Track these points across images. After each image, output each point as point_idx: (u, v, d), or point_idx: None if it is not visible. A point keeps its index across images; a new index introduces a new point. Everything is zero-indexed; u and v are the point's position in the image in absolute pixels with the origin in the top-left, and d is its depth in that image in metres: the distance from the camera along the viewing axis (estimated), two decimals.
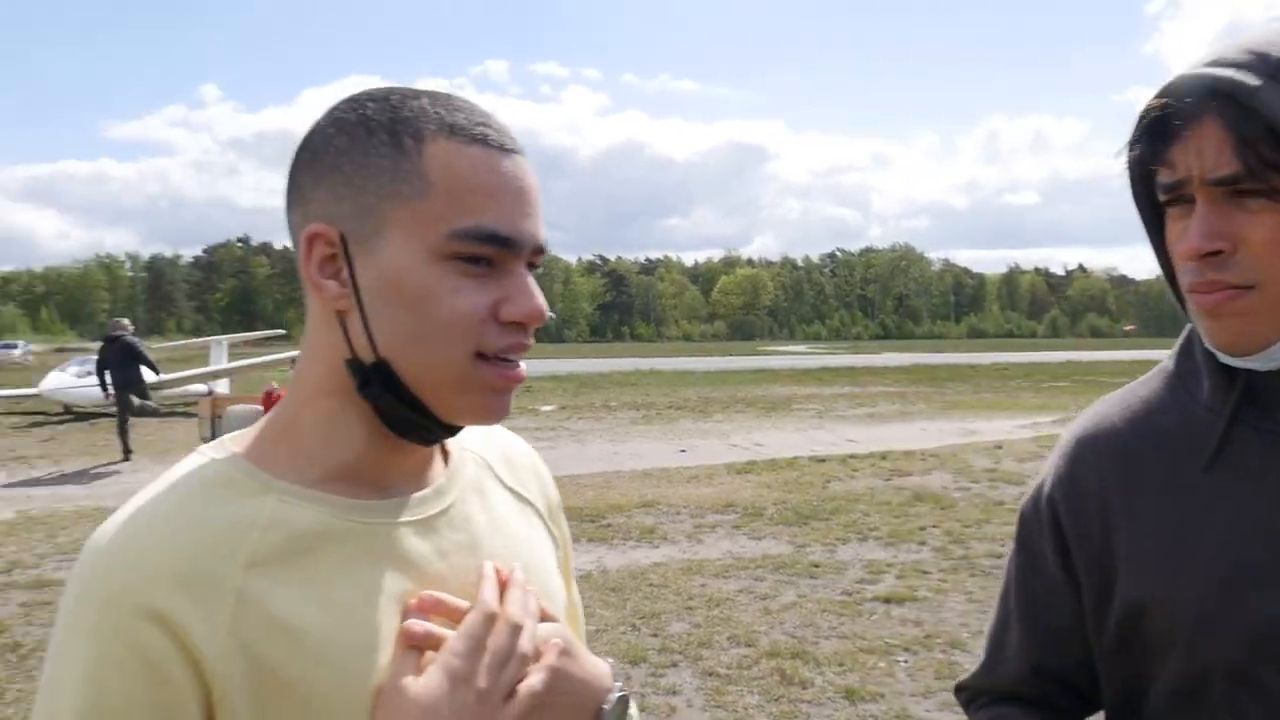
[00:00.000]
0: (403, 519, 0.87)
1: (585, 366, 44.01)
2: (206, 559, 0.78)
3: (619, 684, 0.92)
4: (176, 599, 0.76)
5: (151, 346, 20.11)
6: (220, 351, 24.99)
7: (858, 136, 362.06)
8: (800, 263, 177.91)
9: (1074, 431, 1.14)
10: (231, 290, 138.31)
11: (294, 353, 10.49)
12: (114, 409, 14.66)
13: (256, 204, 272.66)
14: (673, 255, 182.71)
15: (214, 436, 5.04)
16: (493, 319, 0.83)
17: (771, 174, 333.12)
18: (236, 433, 0.90)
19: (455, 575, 0.88)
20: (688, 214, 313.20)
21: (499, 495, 0.99)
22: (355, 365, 0.85)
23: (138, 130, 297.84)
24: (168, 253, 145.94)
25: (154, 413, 15.30)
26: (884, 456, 13.42)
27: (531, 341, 0.87)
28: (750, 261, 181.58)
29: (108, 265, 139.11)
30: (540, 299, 0.85)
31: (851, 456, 13.56)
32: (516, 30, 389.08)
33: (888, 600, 6.55)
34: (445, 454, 0.96)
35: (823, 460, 13.23)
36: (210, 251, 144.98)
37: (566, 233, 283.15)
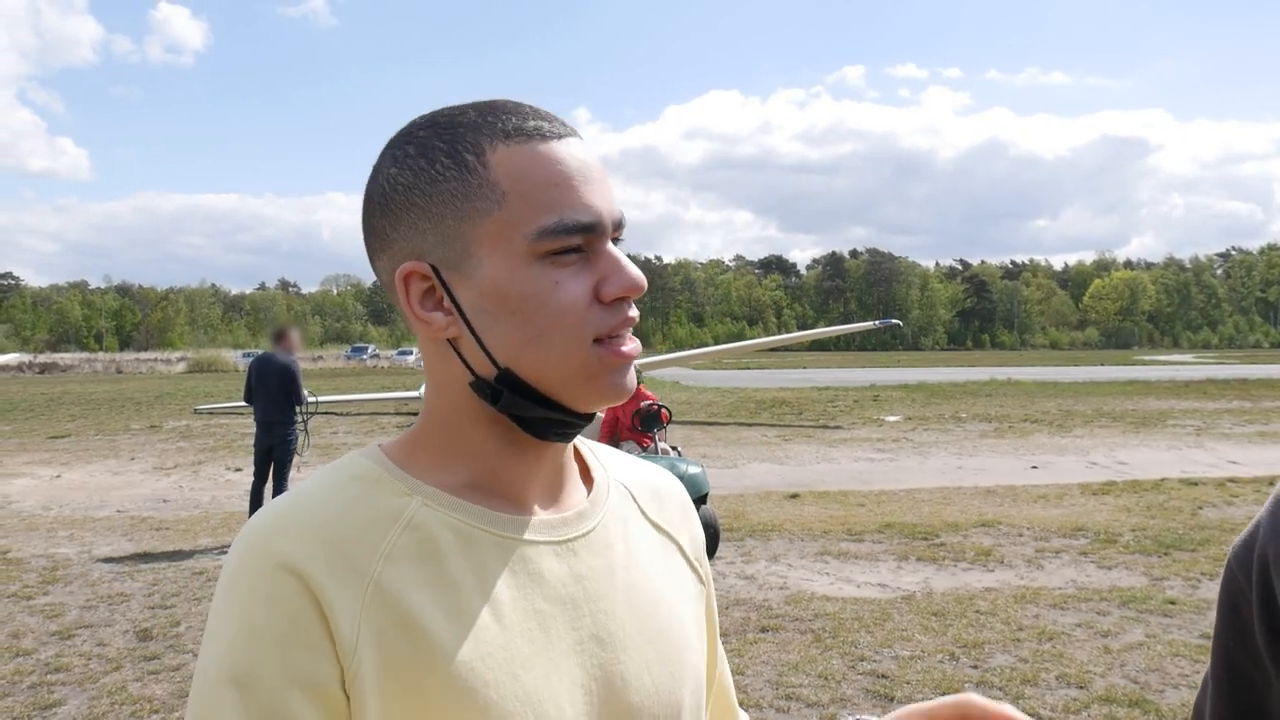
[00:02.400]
0: (542, 538, 0.87)
1: (938, 375, 42.50)
2: (351, 545, 0.80)
3: None
4: (322, 571, 0.78)
5: None
6: None
7: (1256, 122, 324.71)
8: (1187, 264, 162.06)
9: None
10: None
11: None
12: None
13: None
14: (1039, 259, 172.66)
15: None
16: (596, 302, 0.84)
17: (1152, 168, 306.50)
18: (387, 440, 0.92)
19: (589, 600, 0.87)
20: (1056, 214, 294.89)
21: (642, 528, 0.97)
22: (480, 385, 0.86)
23: None
24: None
25: None
26: (1271, 482, 11.86)
27: (636, 314, 0.87)
28: (1128, 263, 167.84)
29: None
30: (634, 269, 0.85)
31: (1231, 480, 12.12)
32: (872, 34, 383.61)
33: None
34: (589, 480, 0.96)
35: (1195, 483, 11.91)
36: None
37: (925, 237, 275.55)
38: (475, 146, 0.83)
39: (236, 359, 64.33)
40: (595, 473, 0.96)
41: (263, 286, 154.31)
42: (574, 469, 0.94)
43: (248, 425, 22.07)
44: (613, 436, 9.61)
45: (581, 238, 0.83)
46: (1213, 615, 4.17)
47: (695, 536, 1.03)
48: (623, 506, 0.95)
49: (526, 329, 0.82)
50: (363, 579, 0.79)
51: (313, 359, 77.26)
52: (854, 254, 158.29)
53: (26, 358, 63.32)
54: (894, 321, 23.39)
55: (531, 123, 0.84)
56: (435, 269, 0.84)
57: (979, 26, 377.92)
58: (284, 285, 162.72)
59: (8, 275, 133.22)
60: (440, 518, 0.84)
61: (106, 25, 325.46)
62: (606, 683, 0.86)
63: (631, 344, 0.86)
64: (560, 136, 0.85)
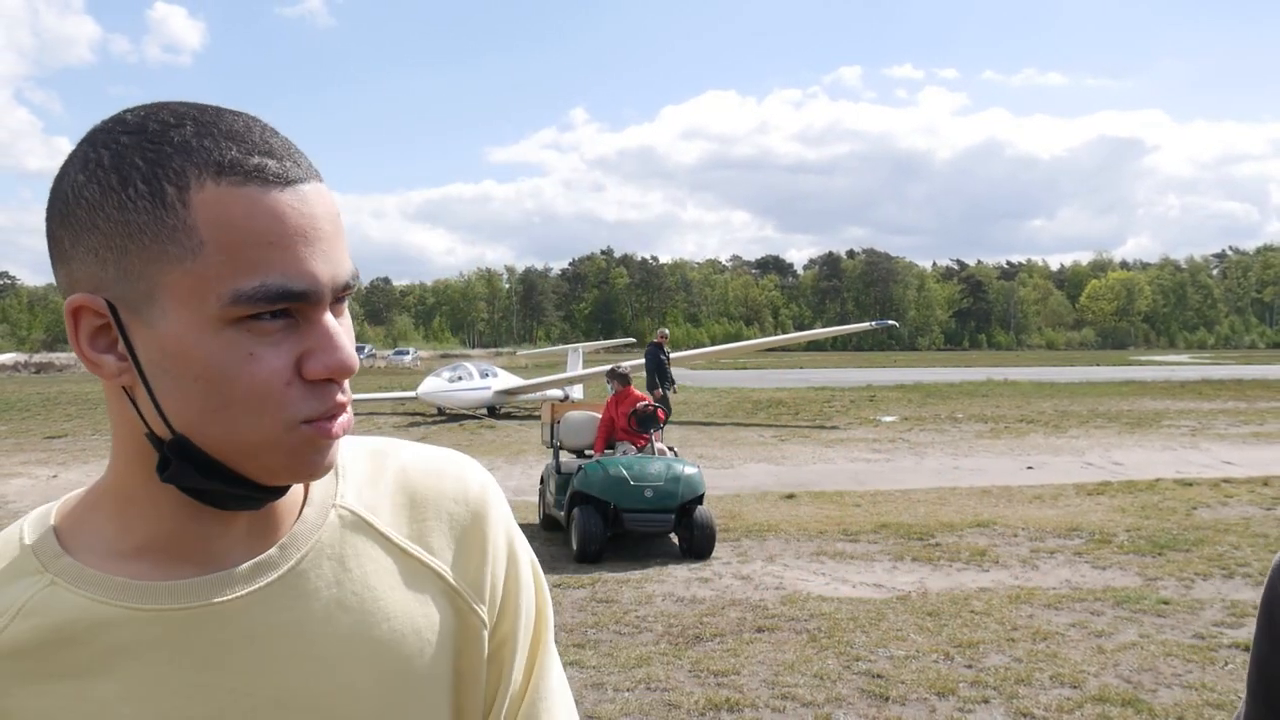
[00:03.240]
0: (208, 600, 0.76)
1: (934, 376, 42.51)
2: None
3: None
4: None
5: (517, 353, 21.79)
6: (576, 358, 26.58)
7: (1254, 123, 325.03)
8: (1183, 264, 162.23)
9: None
10: (594, 300, 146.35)
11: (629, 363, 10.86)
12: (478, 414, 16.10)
13: (619, 218, 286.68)
14: (1036, 259, 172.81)
15: (553, 440, 5.32)
16: (298, 378, 0.72)
17: (1149, 168, 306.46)
18: (75, 493, 0.83)
19: (267, 663, 0.77)
20: (1053, 215, 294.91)
21: (374, 558, 0.83)
22: (153, 439, 0.75)
23: (516, 154, 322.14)
24: (539, 266, 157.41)
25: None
26: (1266, 482, 11.91)
27: (348, 397, 0.76)
28: (1124, 264, 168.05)
29: (487, 278, 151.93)
30: (346, 350, 0.73)
31: (1226, 481, 12.16)
32: (869, 35, 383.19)
33: (1249, 649, 5.75)
34: (302, 509, 0.83)
35: (1190, 484, 11.95)
36: (576, 264, 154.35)
37: (922, 237, 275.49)
38: (179, 176, 0.70)
39: None
40: (313, 500, 0.83)
41: None
42: (290, 501, 0.82)
43: None
44: (609, 438, 9.62)
45: (288, 304, 0.71)
46: (1206, 615, 4.20)
47: (474, 555, 0.88)
48: (343, 538, 0.83)
49: (209, 400, 0.71)
50: None
51: None
52: (851, 254, 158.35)
53: (22, 357, 63.07)
54: (890, 322, 23.43)
55: (255, 159, 0.71)
56: (112, 307, 0.72)
57: (976, 27, 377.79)
58: None
59: (4, 275, 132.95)
60: (67, 599, 0.75)
61: (104, 25, 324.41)
62: None
63: (341, 419, 0.75)
64: (287, 181, 0.72)
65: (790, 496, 11.44)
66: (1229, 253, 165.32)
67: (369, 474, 0.87)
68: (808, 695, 5.10)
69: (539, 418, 14.61)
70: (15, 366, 57.76)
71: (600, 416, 9.87)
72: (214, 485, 0.74)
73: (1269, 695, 0.95)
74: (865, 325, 24.08)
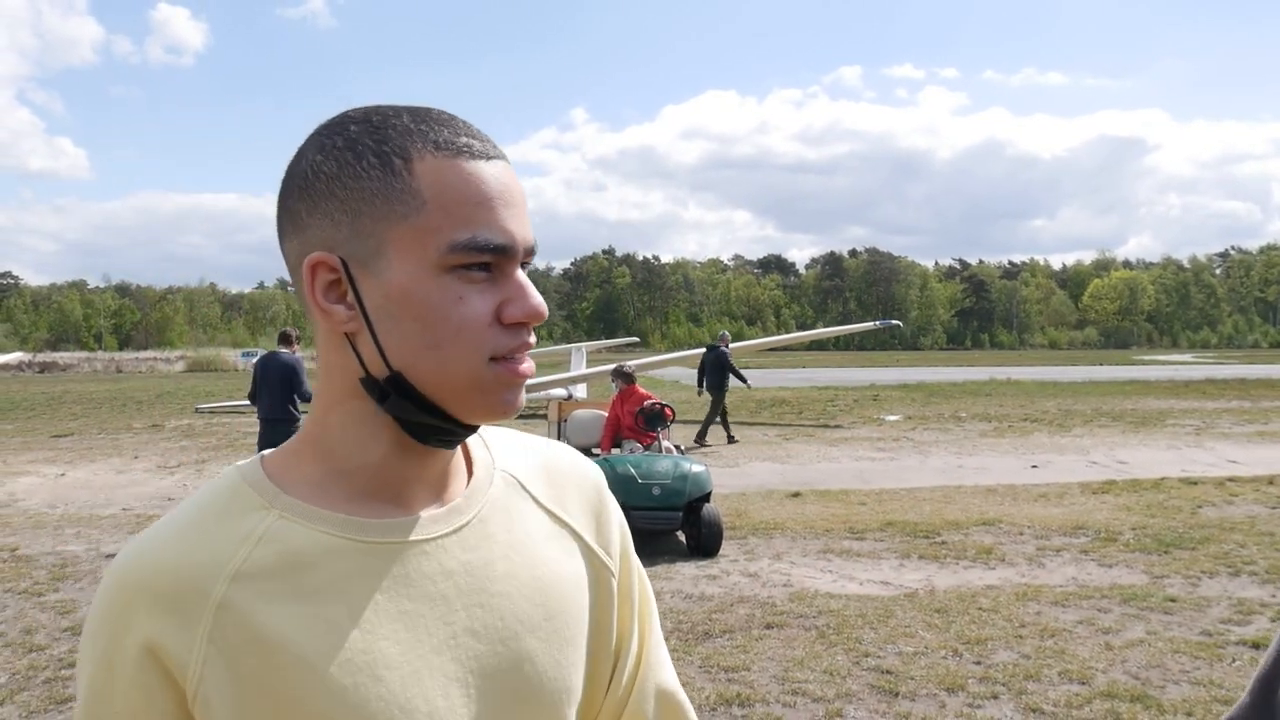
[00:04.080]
0: (411, 537, 0.88)
1: (938, 375, 42.52)
2: (192, 574, 0.83)
3: None
4: (156, 619, 0.82)
5: None
6: (580, 357, 26.60)
7: (1255, 122, 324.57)
8: (1186, 263, 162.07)
9: None
10: (596, 299, 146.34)
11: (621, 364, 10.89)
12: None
13: (620, 217, 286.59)
14: (1039, 258, 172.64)
15: (560, 439, 5.31)
16: (497, 322, 0.85)
17: (1150, 168, 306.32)
18: (274, 449, 0.93)
19: (462, 595, 0.89)
20: (1054, 214, 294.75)
21: (531, 515, 0.98)
22: (370, 382, 0.87)
23: (516, 154, 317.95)
24: (540, 265, 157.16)
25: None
26: (1271, 481, 11.93)
27: (534, 340, 0.88)
28: (1126, 263, 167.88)
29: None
30: (538, 298, 0.86)
31: (1231, 479, 12.17)
32: (869, 35, 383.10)
33: (1256, 645, 5.80)
34: (470, 471, 0.97)
35: (1195, 482, 11.97)
36: (578, 263, 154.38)
37: (923, 236, 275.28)
38: (403, 151, 0.84)
39: (236, 358, 64.32)
40: (478, 464, 0.97)
41: (262, 286, 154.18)
42: (459, 464, 0.95)
43: (250, 424, 22.08)
44: (615, 436, 9.66)
45: (492, 257, 0.84)
46: (1213, 612, 4.24)
47: (603, 521, 1.03)
48: (507, 495, 0.96)
49: (425, 336, 0.84)
50: (204, 603, 0.82)
51: (312, 357, 77.26)
52: (853, 254, 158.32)
53: (26, 357, 63.28)
54: (894, 322, 23.45)
55: (463, 139, 0.86)
56: (344, 262, 0.84)
57: (976, 27, 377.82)
58: (283, 284, 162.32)
59: (7, 274, 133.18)
60: (297, 529, 0.85)
61: (107, 26, 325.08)
62: (485, 675, 0.88)
63: (527, 364, 0.87)
64: (488, 157, 0.86)
65: (796, 495, 11.47)
66: (1232, 252, 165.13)
67: (513, 450, 1.02)
68: (818, 691, 5.13)
69: (544, 416, 14.66)
70: (20, 366, 57.86)
71: (607, 416, 9.92)
72: (423, 417, 0.86)
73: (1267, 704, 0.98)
74: (869, 325, 24.10)
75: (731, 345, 19.08)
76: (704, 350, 18.69)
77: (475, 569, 0.90)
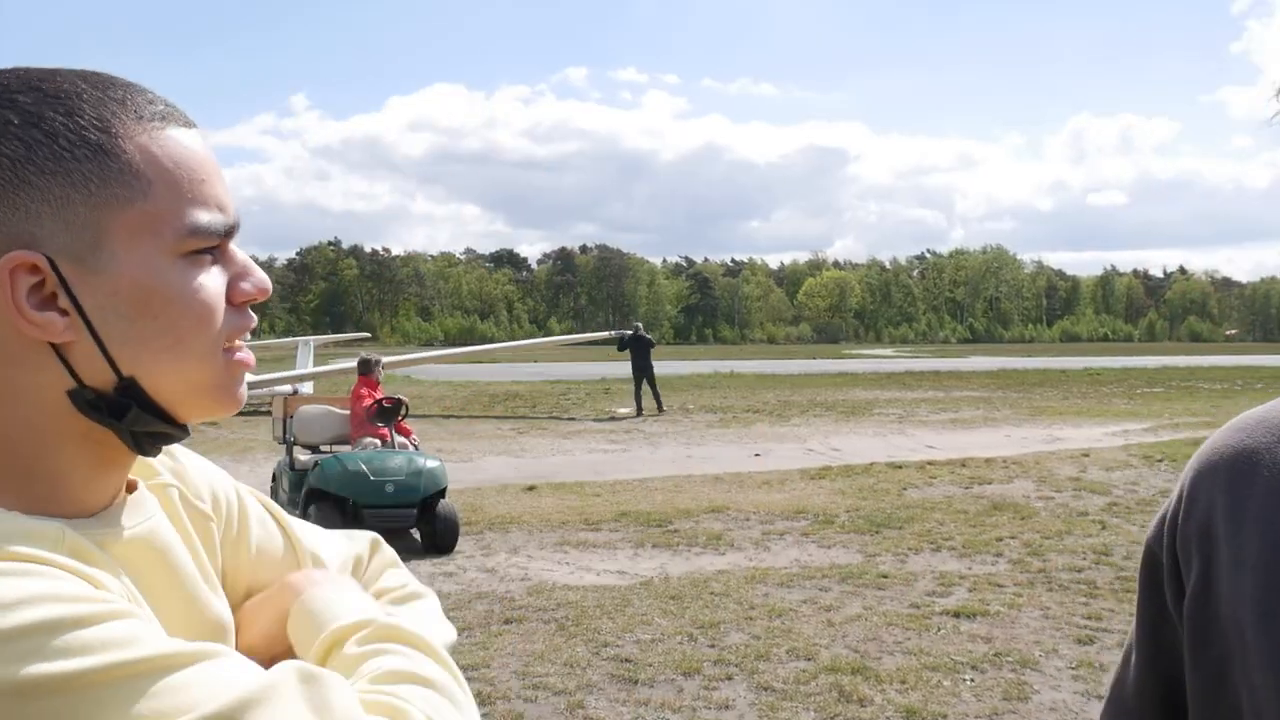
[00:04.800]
0: (132, 524, 0.81)
1: (665, 369, 43.73)
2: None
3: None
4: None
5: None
6: (307, 351, 25.53)
7: (942, 138, 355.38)
8: (888, 265, 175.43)
9: (1203, 447, 0.97)
10: (322, 292, 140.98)
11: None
12: None
13: (346, 208, 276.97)
14: (757, 258, 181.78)
15: (285, 436, 5.04)
16: (229, 304, 0.78)
17: (852, 176, 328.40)
18: None
19: (182, 565, 0.84)
20: (769, 216, 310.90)
21: (185, 512, 0.92)
22: (85, 396, 0.74)
23: (232, 138, 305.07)
24: (263, 255, 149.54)
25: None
26: (964, 464, 13.05)
27: (255, 320, 0.82)
28: (836, 264, 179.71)
29: None
30: (261, 271, 0.80)
31: (930, 463, 13.22)
32: (595, 38, 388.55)
33: (957, 614, 6.30)
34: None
35: (900, 467, 12.92)
36: (303, 254, 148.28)
37: (649, 235, 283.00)
38: (105, 124, 0.73)
39: None
40: None
41: None
42: None
43: None
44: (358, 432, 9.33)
45: (226, 237, 0.78)
46: (920, 586, 4.55)
47: (221, 496, 0.98)
48: (161, 495, 0.90)
49: (166, 334, 0.74)
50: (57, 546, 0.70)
51: None
52: (584, 250, 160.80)
53: None
54: (628, 333, 24.14)
55: (160, 105, 0.77)
56: (52, 261, 0.71)
57: (695, 36, 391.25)
58: None
59: None
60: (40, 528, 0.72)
61: None
62: (209, 630, 0.85)
63: (247, 352, 0.81)
64: (190, 124, 0.78)
65: (531, 488, 11.46)
66: (927, 255, 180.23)
67: None
68: (559, 684, 5.12)
69: (268, 413, 13.93)
70: None
71: (354, 411, 9.56)
72: (158, 426, 0.77)
73: (1156, 661, 1.02)
74: (605, 334, 25.03)
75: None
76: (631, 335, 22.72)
77: (167, 544, 0.84)
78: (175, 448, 0.92)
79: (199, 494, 0.96)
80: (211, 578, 0.91)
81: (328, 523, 6.82)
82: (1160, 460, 13.05)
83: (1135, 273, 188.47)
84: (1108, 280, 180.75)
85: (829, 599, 6.69)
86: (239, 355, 0.80)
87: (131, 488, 0.84)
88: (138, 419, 0.76)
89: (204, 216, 0.75)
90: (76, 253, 0.72)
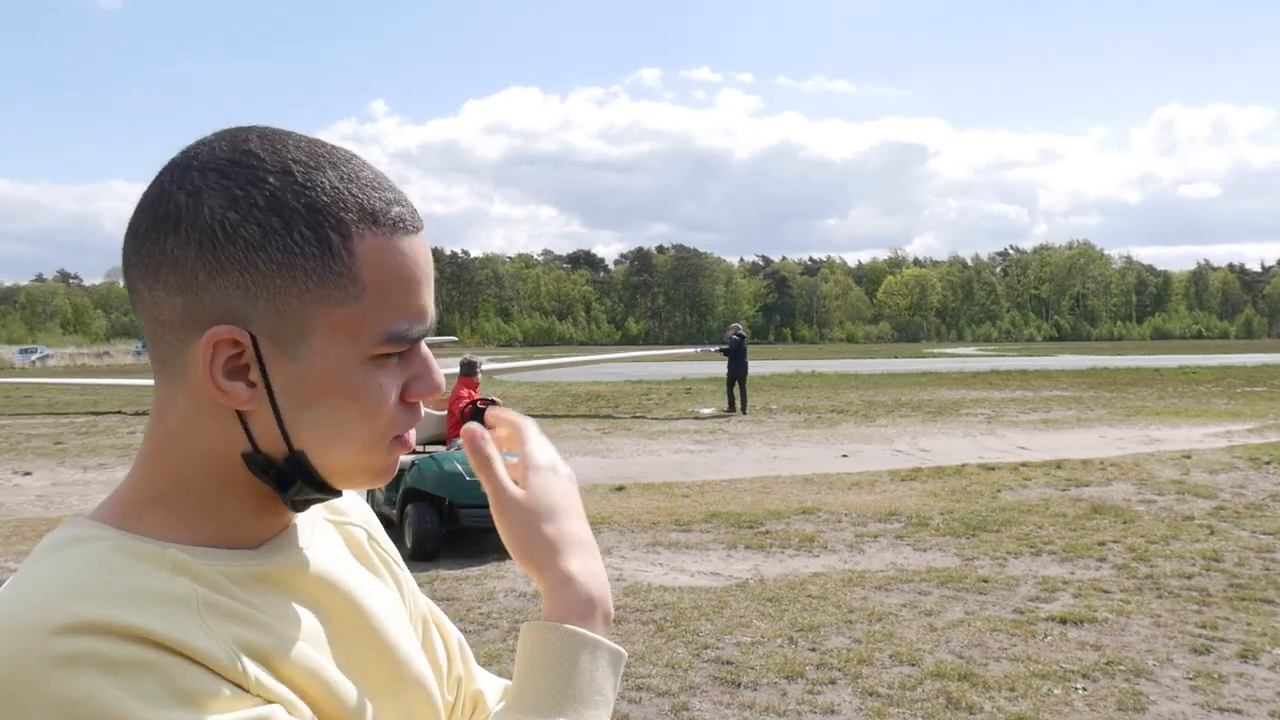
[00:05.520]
0: (289, 555, 0.84)
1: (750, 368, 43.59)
2: (154, 587, 0.73)
3: None
4: (157, 622, 0.70)
5: None
6: None
7: (1024, 132, 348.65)
8: (969, 262, 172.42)
9: None
10: None
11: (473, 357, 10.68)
12: None
13: (425, 211, 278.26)
14: (835, 256, 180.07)
15: None
16: (401, 402, 0.80)
17: (932, 172, 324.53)
18: (99, 508, 0.81)
19: (349, 588, 0.86)
20: (845, 214, 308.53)
21: (327, 530, 0.93)
22: (259, 460, 0.79)
23: None
24: None
25: None
26: (1059, 465, 12.76)
27: (422, 414, 0.84)
28: (916, 261, 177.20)
29: None
30: (439, 373, 0.82)
31: (1023, 465, 12.96)
32: (668, 39, 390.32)
33: (1063, 621, 6.15)
34: None
35: (993, 468, 12.67)
36: None
37: (723, 234, 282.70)
38: (341, 225, 0.75)
39: (13, 356, 59.69)
40: None
41: (40, 278, 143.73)
42: None
43: (33, 426, 20.48)
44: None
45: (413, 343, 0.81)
46: (1021, 590, 4.47)
47: (369, 520, 1.02)
48: (308, 514, 0.92)
49: (340, 424, 0.78)
50: (189, 606, 0.72)
51: (97, 354, 72.66)
52: (660, 250, 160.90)
53: None
54: (715, 349, 24.28)
55: (395, 209, 0.79)
56: (254, 339, 0.75)
57: (768, 34, 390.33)
58: (64, 277, 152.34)
59: None
60: (196, 562, 0.76)
61: None
62: (382, 653, 0.86)
63: (412, 435, 0.84)
64: (417, 230, 0.80)
65: (620, 489, 11.50)
66: (1010, 251, 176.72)
67: None
68: (662, 685, 5.12)
69: None
70: None
71: (446, 410, 9.71)
72: (312, 494, 0.81)
73: None
74: (690, 350, 25.33)
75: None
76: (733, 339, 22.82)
77: (334, 577, 0.86)
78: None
79: (387, 546, 1.01)
80: (408, 628, 0.93)
81: (424, 521, 6.93)
82: (1269, 463, 12.61)
83: (1230, 267, 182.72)
84: (1201, 275, 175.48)
85: (929, 603, 6.59)
86: (404, 439, 0.82)
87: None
88: (300, 490, 0.80)
89: (403, 326, 0.78)
90: (279, 338, 0.76)
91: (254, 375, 0.76)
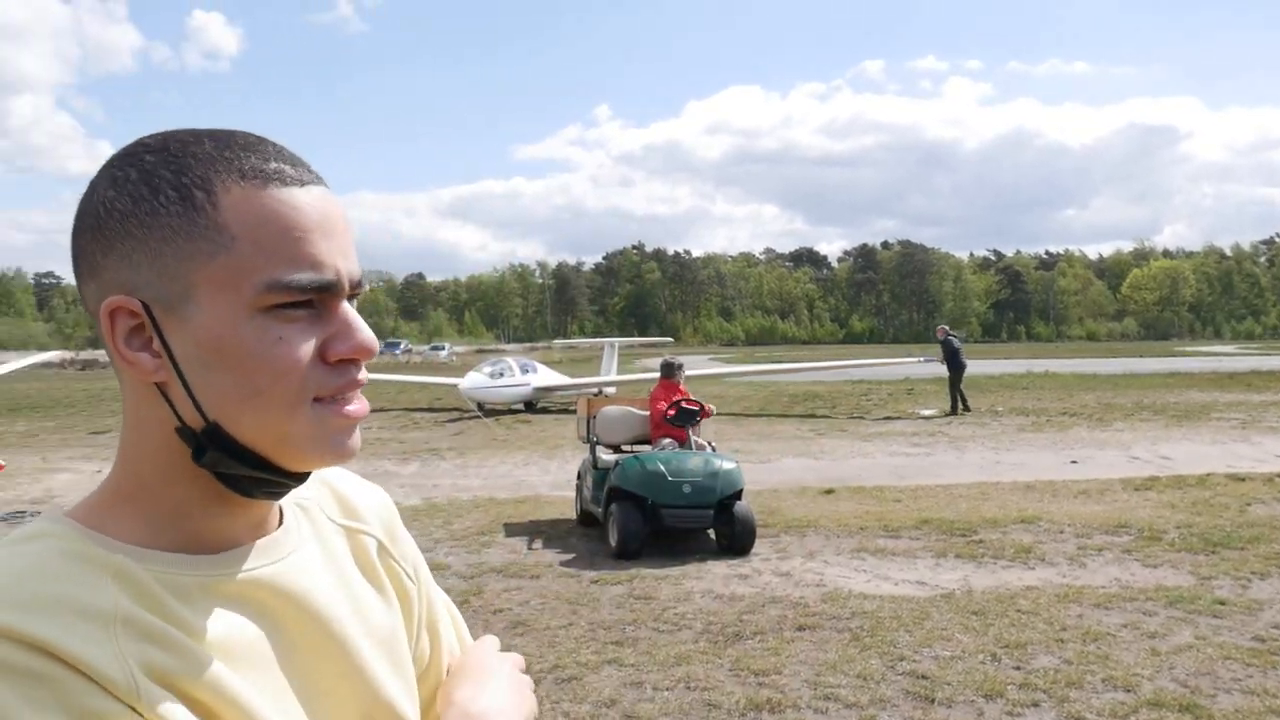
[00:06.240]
0: (246, 567, 0.83)
1: (972, 368, 41.93)
2: (76, 594, 0.74)
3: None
4: (61, 635, 0.71)
5: (553, 346, 22.40)
6: (612, 353, 26.53)
7: None
8: (1228, 252, 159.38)
9: None
10: (627, 294, 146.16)
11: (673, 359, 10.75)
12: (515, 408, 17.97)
13: (648, 212, 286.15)
14: (1074, 249, 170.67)
15: (589, 435, 5.31)
16: (321, 361, 0.79)
17: (1183, 156, 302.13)
18: (70, 507, 0.84)
19: (299, 619, 0.84)
20: (1086, 204, 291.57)
21: (337, 539, 0.94)
22: (186, 432, 0.79)
23: (541, 151, 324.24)
24: (571, 260, 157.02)
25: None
26: None
27: (365, 377, 0.82)
28: (1166, 252, 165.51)
29: (520, 273, 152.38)
30: (366, 332, 0.80)
31: None
32: (891, 29, 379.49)
33: None
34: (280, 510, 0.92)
35: (1243, 479, 11.65)
36: (609, 258, 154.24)
37: (952, 227, 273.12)
38: (205, 182, 0.77)
39: None
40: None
41: None
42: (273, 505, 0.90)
43: None
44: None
45: (313, 294, 0.78)
46: (1266, 616, 4.03)
47: (397, 535, 1.01)
48: (312, 522, 0.93)
49: (243, 385, 0.77)
50: (105, 621, 0.72)
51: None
52: (885, 246, 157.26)
53: (68, 355, 63.94)
54: (934, 359, 23.47)
55: (273, 164, 0.79)
56: (146, 307, 0.77)
57: (998, 19, 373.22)
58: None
59: (50, 274, 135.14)
60: (142, 570, 0.77)
61: (145, 33, 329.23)
62: (333, 683, 0.85)
63: (358, 404, 0.82)
64: (303, 183, 0.79)
65: (829, 491, 11.28)
66: (1277, 240, 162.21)
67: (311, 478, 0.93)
68: (851, 696, 4.96)
69: (574, 412, 14.54)
70: (61, 364, 58.53)
71: (651, 414, 9.80)
72: (245, 470, 0.80)
73: None
74: (914, 359, 24.61)
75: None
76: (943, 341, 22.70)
77: (305, 593, 0.85)
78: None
79: (404, 555, 1.00)
80: (398, 650, 0.92)
81: (628, 520, 7.06)
82: None
83: None
84: None
85: (1153, 625, 6.10)
86: (347, 408, 0.80)
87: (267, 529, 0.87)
88: (218, 461, 0.79)
89: (285, 273, 0.76)
90: (168, 301, 0.77)
91: (157, 345, 0.77)
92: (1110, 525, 9.09)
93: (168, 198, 0.76)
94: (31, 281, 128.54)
